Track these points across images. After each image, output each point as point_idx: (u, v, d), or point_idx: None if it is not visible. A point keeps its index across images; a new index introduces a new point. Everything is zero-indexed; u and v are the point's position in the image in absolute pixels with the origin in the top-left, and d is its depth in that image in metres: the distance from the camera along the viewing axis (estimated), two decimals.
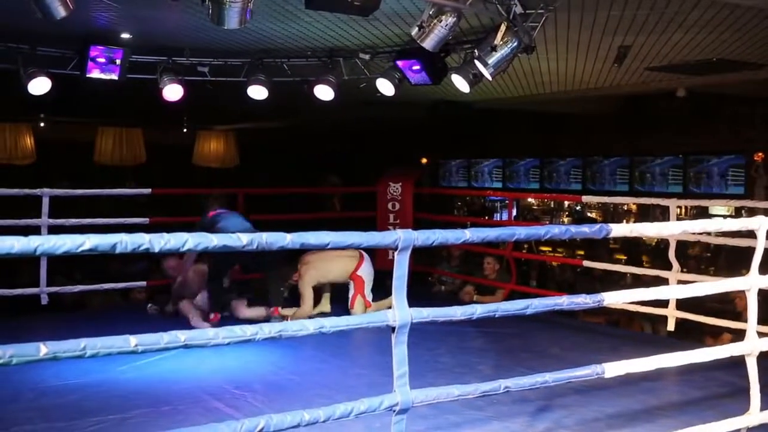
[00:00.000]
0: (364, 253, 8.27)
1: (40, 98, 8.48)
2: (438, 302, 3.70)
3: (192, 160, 16.57)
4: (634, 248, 13.10)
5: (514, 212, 14.97)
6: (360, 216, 10.32)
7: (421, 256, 9.45)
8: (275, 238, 3.09)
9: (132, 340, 2.87)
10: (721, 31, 7.40)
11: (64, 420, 4.93)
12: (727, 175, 12.12)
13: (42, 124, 15.29)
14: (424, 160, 16.56)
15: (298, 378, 6.10)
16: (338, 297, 8.53)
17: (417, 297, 3.49)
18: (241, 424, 3.11)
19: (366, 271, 8.26)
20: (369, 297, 8.27)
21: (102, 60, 8.08)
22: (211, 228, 7.37)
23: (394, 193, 10.27)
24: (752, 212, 6.61)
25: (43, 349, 2.74)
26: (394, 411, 3.37)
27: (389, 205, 10.30)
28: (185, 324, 7.55)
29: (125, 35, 8.22)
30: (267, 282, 7.97)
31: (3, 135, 14.93)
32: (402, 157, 14.50)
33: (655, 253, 12.39)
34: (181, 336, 2.98)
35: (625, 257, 13.08)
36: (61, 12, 5.49)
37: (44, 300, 8.08)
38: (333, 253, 7.96)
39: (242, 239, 3.03)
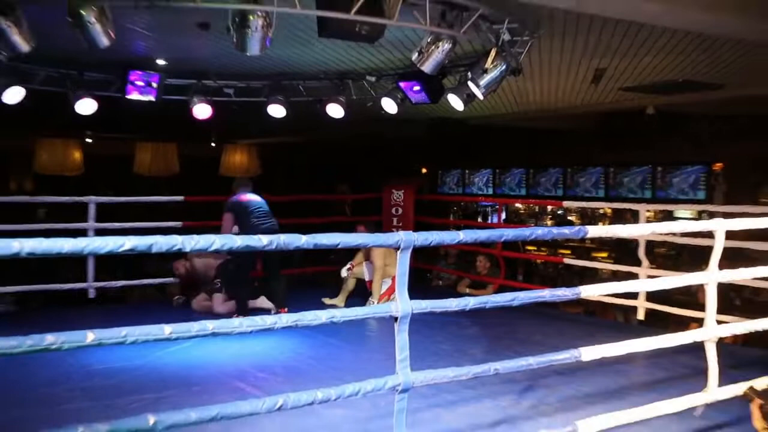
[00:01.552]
0: None
1: (86, 117, 8.53)
2: (436, 295, 3.70)
3: (219, 170, 16.58)
4: (623, 247, 13.02)
5: (503, 216, 14.98)
6: (367, 219, 10.32)
7: (421, 254, 9.45)
8: (292, 238, 3.12)
9: (166, 329, 2.90)
10: (686, 56, 7.41)
11: (108, 399, 4.97)
12: (691, 183, 12.16)
13: (89, 140, 15.33)
14: (424, 170, 16.58)
15: (312, 362, 6.13)
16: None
17: (417, 291, 3.51)
18: (262, 401, 3.14)
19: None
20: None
21: (140, 83, 8.13)
22: (239, 206, 7.60)
23: (397, 199, 10.28)
24: (712, 215, 6.61)
25: (90, 336, 2.76)
26: (397, 390, 3.39)
27: (393, 210, 10.31)
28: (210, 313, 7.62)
29: (160, 61, 8.26)
30: (275, 282, 7.90)
31: (55, 149, 15.00)
32: (404, 168, 14.54)
33: (626, 251, 12.38)
34: (209, 325, 3.00)
35: (607, 254, 13.06)
36: (104, 41, 5.52)
37: (91, 294, 8.17)
38: (392, 254, 7.83)
39: (263, 240, 3.06)
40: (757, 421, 4.00)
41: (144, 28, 6.76)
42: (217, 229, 7.43)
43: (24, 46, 5.65)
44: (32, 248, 2.64)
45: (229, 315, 7.23)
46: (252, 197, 7.79)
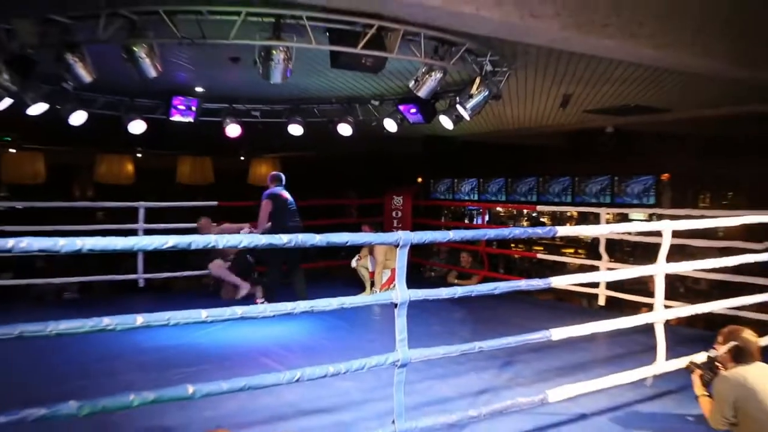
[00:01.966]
0: None
1: (137, 136, 8.55)
2: (429, 285, 3.69)
3: (247, 180, 16.57)
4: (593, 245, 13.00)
5: (487, 218, 14.94)
6: (371, 221, 10.30)
7: (416, 250, 9.44)
8: (308, 237, 3.12)
9: (203, 313, 2.90)
10: (638, 85, 7.40)
11: (155, 371, 5.01)
12: (643, 190, 12.15)
13: (139, 155, 15.35)
14: (420, 179, 16.54)
15: (325, 341, 6.14)
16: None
17: (412, 281, 3.49)
18: (283, 374, 3.14)
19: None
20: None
21: (182, 107, 8.15)
22: (277, 199, 7.61)
23: (397, 204, 10.27)
24: (660, 218, 6.63)
25: (139, 319, 2.77)
26: (397, 365, 3.39)
27: (393, 213, 10.30)
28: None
29: (199, 89, 8.26)
30: (296, 275, 7.79)
31: (111, 163, 15.03)
32: (403, 177, 14.48)
33: (590, 247, 12.39)
34: (239, 310, 3.01)
35: (573, 250, 13.04)
36: (152, 73, 5.53)
37: (141, 283, 8.18)
38: (392, 250, 7.82)
39: (283, 239, 3.06)
40: (697, 388, 4.00)
41: (185, 61, 6.77)
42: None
43: (87, 77, 5.67)
44: (92, 245, 2.64)
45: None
46: (287, 195, 7.74)
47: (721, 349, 3.82)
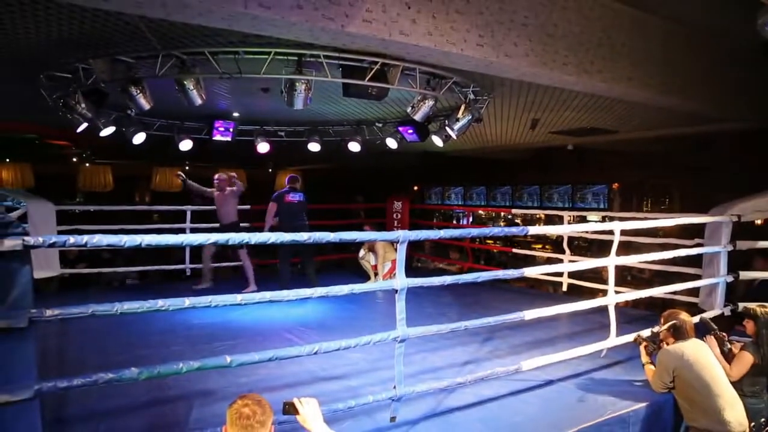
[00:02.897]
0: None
1: (185, 152, 8.53)
2: (418, 274, 3.68)
3: (273, 188, 16.55)
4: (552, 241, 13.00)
5: (471, 219, 14.92)
6: (376, 222, 10.27)
7: (408, 245, 9.41)
8: (323, 234, 3.10)
9: (238, 297, 2.88)
10: (592, 111, 7.40)
11: (201, 343, 4.99)
12: (597, 196, 12.10)
13: (187, 168, 15.33)
14: (416, 187, 16.51)
15: (338, 320, 6.10)
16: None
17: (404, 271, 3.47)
18: (304, 348, 3.12)
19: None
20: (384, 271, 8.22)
21: (222, 129, 8.13)
22: (280, 201, 7.28)
23: (397, 207, 10.21)
24: (611, 219, 6.60)
25: (187, 301, 2.75)
26: (397, 341, 3.36)
27: (394, 215, 10.25)
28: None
29: (235, 113, 8.26)
30: (308, 266, 7.59)
31: (165, 174, 15.00)
32: (401, 185, 14.46)
33: (555, 243, 12.33)
34: (268, 295, 2.98)
35: (541, 246, 12.99)
36: (198, 101, 5.53)
37: (188, 272, 8.13)
38: (389, 245, 7.73)
39: (304, 236, 3.04)
40: (643, 357, 3.98)
41: (225, 92, 6.76)
42: (273, 229, 7.17)
43: (146, 105, 5.66)
44: (149, 241, 2.64)
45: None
46: (293, 197, 7.34)
47: (662, 327, 3.81)
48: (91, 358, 4.56)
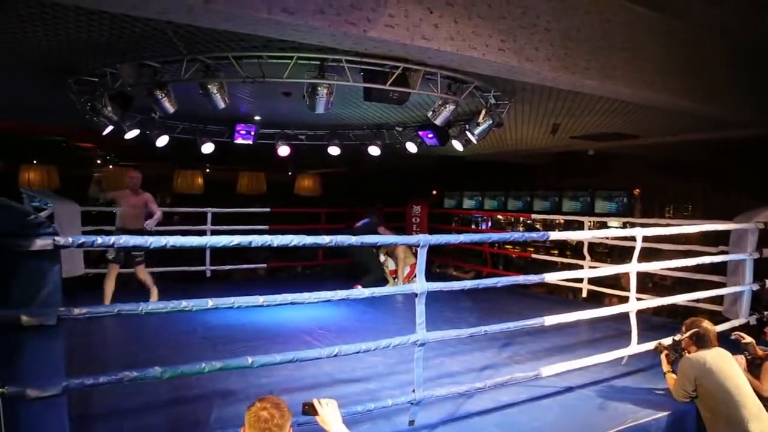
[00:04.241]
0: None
1: (207, 155, 8.61)
2: (436, 279, 3.67)
3: (294, 191, 16.65)
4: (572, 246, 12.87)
5: (489, 224, 14.83)
6: (394, 226, 10.28)
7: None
8: (345, 238, 3.11)
9: (260, 299, 2.91)
10: (614, 116, 7.33)
11: (222, 344, 5.05)
12: (618, 202, 11.94)
13: (208, 170, 15.51)
14: (434, 192, 16.47)
15: (358, 323, 6.11)
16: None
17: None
18: (324, 350, 3.13)
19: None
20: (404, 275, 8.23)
21: (243, 132, 8.18)
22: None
23: (416, 212, 10.22)
24: (633, 225, 6.52)
25: (209, 302, 2.78)
26: (417, 344, 3.36)
27: (413, 219, 10.24)
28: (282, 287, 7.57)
29: (257, 117, 8.32)
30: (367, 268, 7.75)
31: (186, 177, 15.16)
32: (421, 190, 14.44)
33: (574, 249, 12.20)
34: (289, 296, 3.00)
35: (559, 251, 12.84)
36: (221, 104, 5.59)
37: (208, 273, 8.20)
38: (409, 249, 7.96)
39: (325, 239, 3.06)
40: (664, 366, 3.93)
41: (247, 95, 6.83)
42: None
43: (171, 108, 5.74)
44: (174, 242, 2.67)
45: None
46: (359, 223, 7.81)
47: (684, 335, 3.75)
48: (114, 357, 4.63)
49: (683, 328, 3.79)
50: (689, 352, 3.70)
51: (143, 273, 6.59)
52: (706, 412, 3.51)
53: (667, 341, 4.00)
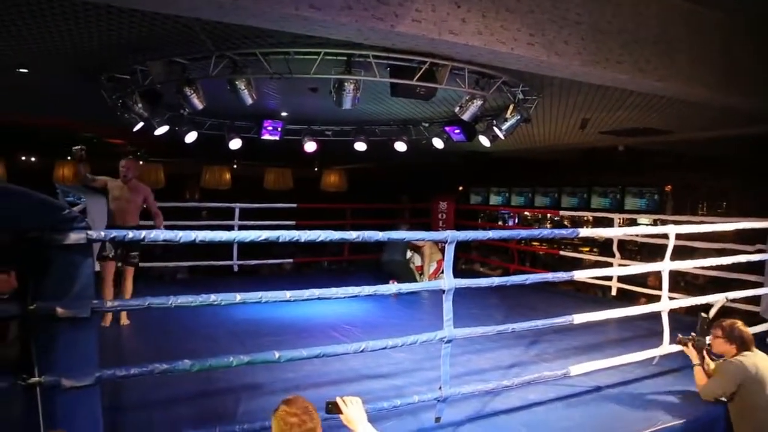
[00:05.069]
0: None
1: (235, 151, 8.70)
2: (462, 275, 3.65)
3: (320, 187, 16.73)
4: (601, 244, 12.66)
5: (516, 220, 14.68)
6: (420, 222, 10.25)
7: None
8: (372, 233, 3.12)
9: (287, 294, 2.93)
10: (646, 111, 7.16)
11: (249, 339, 5.09)
12: (649, 199, 11.69)
13: (235, 166, 15.67)
14: (461, 188, 16.37)
15: (384, 319, 6.12)
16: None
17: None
18: (351, 346, 3.14)
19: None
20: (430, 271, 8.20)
21: (270, 128, 8.23)
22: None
23: (442, 208, 10.17)
24: (664, 223, 6.38)
25: (238, 296, 2.82)
26: (444, 341, 3.35)
27: (439, 215, 10.20)
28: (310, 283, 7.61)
29: (284, 113, 8.37)
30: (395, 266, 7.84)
31: (214, 172, 15.37)
32: (447, 186, 14.35)
33: (603, 246, 12.00)
34: (316, 292, 3.01)
35: (589, 249, 12.62)
36: (249, 101, 5.64)
37: (235, 268, 8.26)
38: (435, 245, 7.94)
39: (352, 234, 3.07)
40: (694, 357, 3.79)
41: (274, 91, 6.87)
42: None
43: (199, 105, 5.81)
44: (203, 237, 2.70)
45: None
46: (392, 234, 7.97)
47: (712, 313, 3.64)
48: (143, 349, 4.72)
49: (698, 321, 3.68)
50: (719, 349, 3.59)
51: (130, 279, 5.56)
52: (737, 417, 3.41)
53: (687, 335, 3.87)
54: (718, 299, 3.86)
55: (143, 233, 2.64)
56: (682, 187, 11.28)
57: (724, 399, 3.48)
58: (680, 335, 3.91)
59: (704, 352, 3.75)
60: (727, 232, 6.43)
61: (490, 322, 4.36)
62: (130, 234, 2.66)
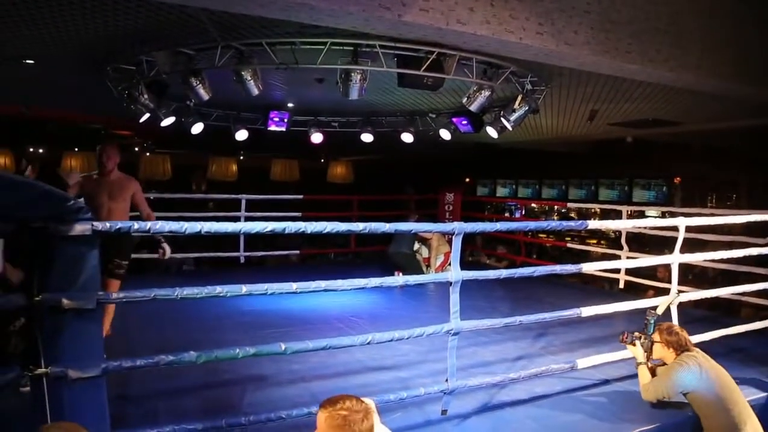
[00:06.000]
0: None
1: (241, 142, 8.68)
2: (468, 267, 3.61)
3: (326, 178, 16.69)
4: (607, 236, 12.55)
5: (522, 212, 14.61)
6: (426, 213, 10.19)
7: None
8: (379, 225, 3.09)
9: (294, 285, 2.90)
10: (654, 102, 7.10)
11: (254, 330, 5.07)
12: (657, 191, 11.59)
13: (242, 157, 15.67)
14: (468, 179, 16.30)
15: (389, 311, 6.10)
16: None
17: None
18: (357, 338, 3.12)
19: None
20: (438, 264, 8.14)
21: (277, 119, 8.23)
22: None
23: (449, 200, 10.11)
24: (673, 215, 6.30)
25: (244, 288, 2.80)
26: (450, 333, 3.33)
27: (446, 207, 10.13)
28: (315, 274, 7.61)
29: (290, 104, 8.35)
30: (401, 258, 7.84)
31: (221, 164, 15.36)
32: (454, 177, 14.29)
33: (610, 239, 11.92)
34: (322, 283, 2.99)
35: (596, 241, 12.54)
36: (255, 91, 5.62)
37: (242, 259, 8.26)
38: (442, 237, 7.89)
39: (359, 226, 3.04)
40: (639, 356, 3.62)
41: (281, 82, 6.85)
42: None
43: (205, 96, 5.80)
44: (209, 228, 2.69)
45: None
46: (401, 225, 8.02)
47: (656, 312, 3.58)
48: (150, 341, 4.71)
49: (649, 321, 3.62)
50: (657, 354, 3.53)
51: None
52: (702, 417, 3.36)
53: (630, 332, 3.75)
54: (667, 297, 3.77)
55: (149, 224, 2.62)
56: (690, 179, 11.18)
57: (666, 399, 3.43)
58: (626, 332, 3.72)
59: (651, 351, 3.63)
60: (737, 225, 6.38)
61: (496, 314, 4.34)
62: (136, 225, 2.64)
